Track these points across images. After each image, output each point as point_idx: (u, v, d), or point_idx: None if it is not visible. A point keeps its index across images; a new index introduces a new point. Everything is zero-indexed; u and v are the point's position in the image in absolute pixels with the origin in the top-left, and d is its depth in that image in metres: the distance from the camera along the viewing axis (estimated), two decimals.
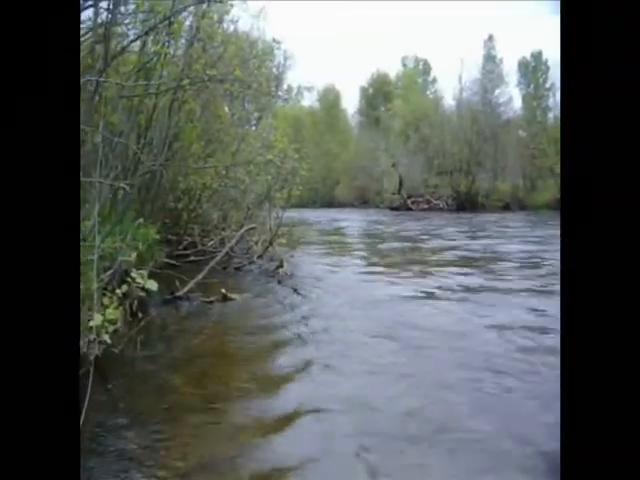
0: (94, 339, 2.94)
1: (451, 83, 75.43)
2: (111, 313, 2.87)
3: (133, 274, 3.33)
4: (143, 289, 6.48)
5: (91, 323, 2.84)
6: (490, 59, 41.57)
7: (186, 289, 7.25)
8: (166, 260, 8.84)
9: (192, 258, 10.48)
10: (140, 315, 5.44)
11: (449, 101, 46.25)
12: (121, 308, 2.96)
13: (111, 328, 2.82)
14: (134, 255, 4.47)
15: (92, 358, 2.75)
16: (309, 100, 56.89)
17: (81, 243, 5.44)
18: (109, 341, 2.84)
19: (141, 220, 7.33)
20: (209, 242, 11.42)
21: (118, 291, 3.39)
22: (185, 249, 10.90)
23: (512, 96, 41.04)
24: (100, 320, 2.81)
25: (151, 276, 7.00)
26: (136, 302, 6.12)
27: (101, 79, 4.71)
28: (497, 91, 39.83)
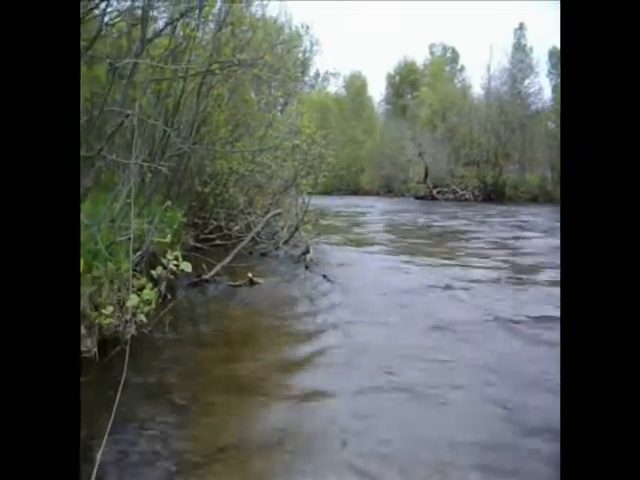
0: (130, 319, 2.95)
1: (479, 72, 74.66)
2: (147, 294, 2.88)
3: (169, 255, 3.34)
4: (173, 272, 6.56)
5: (128, 303, 2.85)
6: (520, 48, 40.86)
7: (213, 272, 7.28)
8: (192, 244, 8.90)
9: (217, 242, 10.52)
10: (168, 297, 5.48)
11: (477, 90, 45.71)
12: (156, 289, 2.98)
13: (146, 309, 2.84)
14: (169, 237, 4.49)
15: (128, 337, 2.76)
16: (335, 86, 56.70)
17: (111, 225, 5.51)
18: (145, 321, 2.86)
19: (169, 203, 7.36)
20: (235, 227, 11.46)
21: (154, 272, 3.40)
22: (211, 233, 10.95)
23: (542, 86, 40.27)
24: (136, 301, 2.82)
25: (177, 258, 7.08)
26: (164, 284, 6.18)
27: (139, 60, 4.71)
28: (527, 81, 39.21)
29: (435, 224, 18.09)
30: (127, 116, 4.12)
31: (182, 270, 3.24)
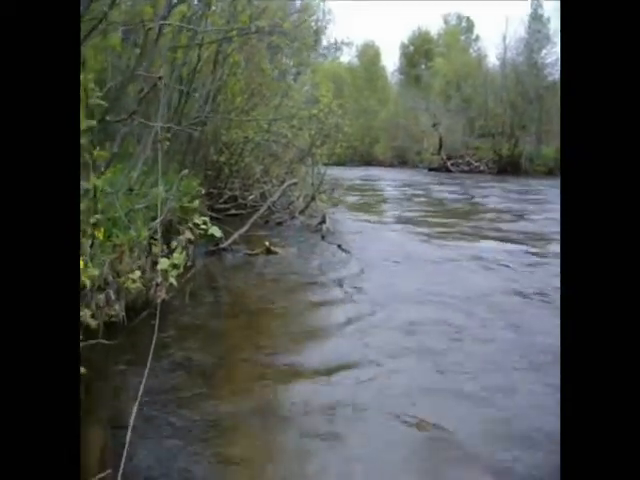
0: (161, 282, 3.00)
1: (495, 42, 73.42)
2: (177, 258, 2.92)
3: (196, 220, 3.36)
4: (191, 240, 6.60)
5: (158, 266, 2.89)
6: (537, 18, 39.99)
7: (230, 241, 7.32)
8: (208, 213, 8.93)
9: (233, 212, 10.56)
10: (188, 264, 5.53)
11: (492, 60, 44.97)
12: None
13: (175, 272, 2.88)
14: (197, 202, 4.51)
15: (159, 301, 2.81)
16: (348, 56, 55.99)
17: (129, 193, 5.54)
18: (175, 284, 2.90)
19: (185, 171, 7.38)
20: (250, 196, 11.47)
21: (181, 237, 3.43)
22: (226, 202, 10.97)
23: (559, 57, 39.58)
24: (167, 264, 2.85)
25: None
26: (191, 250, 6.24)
27: (166, 22, 4.70)
28: (543, 51, 38.44)
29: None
30: (160, 78, 4.11)
31: (211, 235, 3.26)
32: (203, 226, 3.32)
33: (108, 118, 3.87)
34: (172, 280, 2.85)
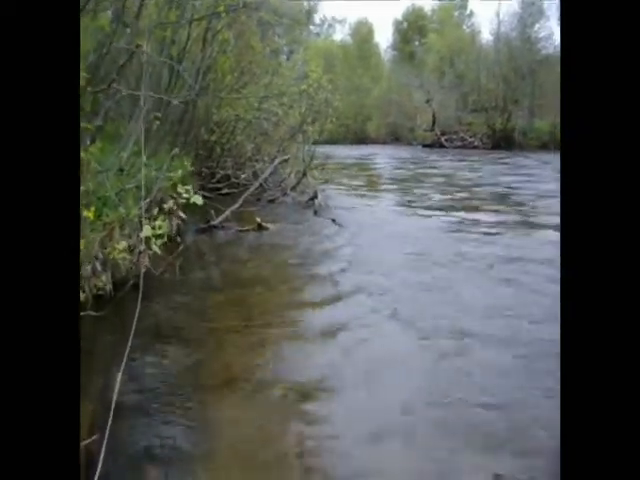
0: (144, 249, 3.03)
1: (489, 17, 72.78)
2: (160, 225, 2.94)
3: (179, 189, 3.37)
4: (182, 219, 6.63)
5: (141, 234, 2.92)
6: None
7: (221, 218, 7.35)
8: (200, 192, 8.93)
9: (225, 191, 10.55)
10: (178, 240, 5.58)
11: (486, 36, 44.68)
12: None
13: (159, 242, 2.91)
14: (180, 172, 4.52)
15: (142, 269, 2.84)
16: (341, 34, 55.58)
17: (119, 173, 5.56)
18: (159, 252, 2.93)
19: (176, 150, 7.38)
20: (242, 175, 11.46)
21: (165, 206, 3.47)
22: (218, 182, 10.96)
23: (553, 31, 39.15)
24: (149, 232, 2.88)
25: (185, 207, 7.16)
26: (175, 229, 6.26)
27: None
28: (537, 25, 38.08)
29: None
30: (138, 46, 4.10)
31: (194, 203, 3.28)
32: (185, 195, 3.33)
33: (89, 89, 3.86)
34: (155, 248, 2.88)
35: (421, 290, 4.64)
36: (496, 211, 8.95)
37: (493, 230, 7.21)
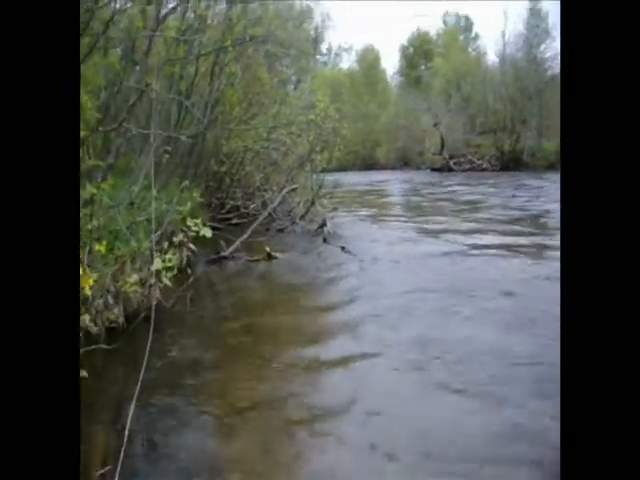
0: (155, 282, 3.11)
1: (494, 39, 73.27)
2: (170, 259, 3.03)
3: (188, 222, 3.46)
4: (192, 250, 6.71)
5: (152, 267, 3.01)
6: (535, 13, 39.89)
7: (231, 249, 7.44)
8: (210, 224, 9.04)
9: (235, 221, 10.67)
10: (189, 272, 5.65)
11: (492, 57, 44.96)
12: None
13: (170, 274, 2.99)
14: (189, 204, 4.59)
15: (153, 301, 2.91)
16: (348, 62, 56.17)
17: (130, 207, 5.67)
18: (169, 284, 3.01)
19: (186, 183, 7.50)
20: (251, 205, 11.59)
21: (175, 239, 3.57)
22: (228, 212, 11.09)
23: (558, 51, 39.32)
24: (160, 265, 2.97)
25: (195, 238, 7.28)
26: (185, 260, 6.35)
27: (156, 33, 4.85)
28: (542, 46, 38.33)
29: None
30: (147, 85, 4.24)
31: (203, 236, 3.36)
32: (195, 228, 3.42)
33: (100, 129, 4.00)
34: (166, 281, 2.96)
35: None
36: None
37: None
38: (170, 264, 3.04)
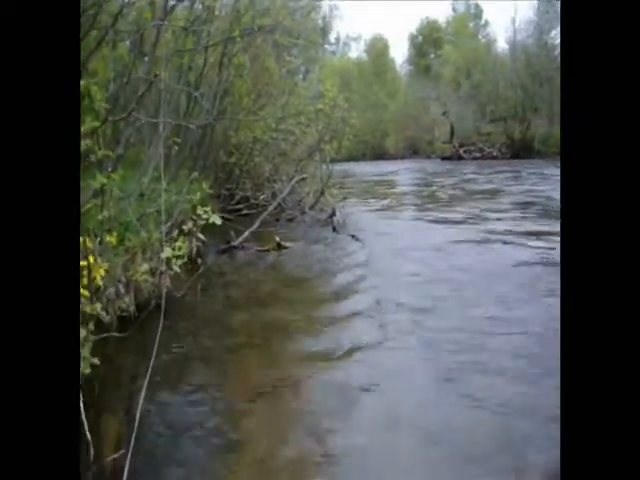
0: (165, 270, 3.15)
1: (504, 26, 72.68)
2: (180, 247, 3.06)
3: (198, 210, 3.49)
4: (202, 241, 6.75)
5: (162, 255, 3.04)
6: None
7: (241, 239, 7.48)
8: (219, 214, 9.07)
9: (245, 212, 10.71)
10: (199, 262, 5.70)
11: (502, 45, 44.59)
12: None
13: (179, 262, 3.02)
14: (199, 194, 4.64)
15: (164, 289, 2.95)
16: (356, 51, 55.96)
17: (140, 198, 5.71)
18: (179, 271, 3.05)
19: (195, 174, 7.53)
20: (261, 196, 11.62)
21: (185, 227, 3.60)
22: (238, 203, 11.12)
23: None
24: (170, 253, 3.00)
25: (205, 229, 7.31)
26: (195, 251, 6.40)
27: (164, 23, 4.87)
28: (553, 32, 37.98)
29: None
30: (156, 76, 4.26)
31: (213, 224, 3.39)
32: (204, 216, 3.44)
33: (110, 119, 4.02)
34: (176, 268, 2.99)
35: None
36: None
37: None
38: (180, 252, 3.07)
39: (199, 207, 3.57)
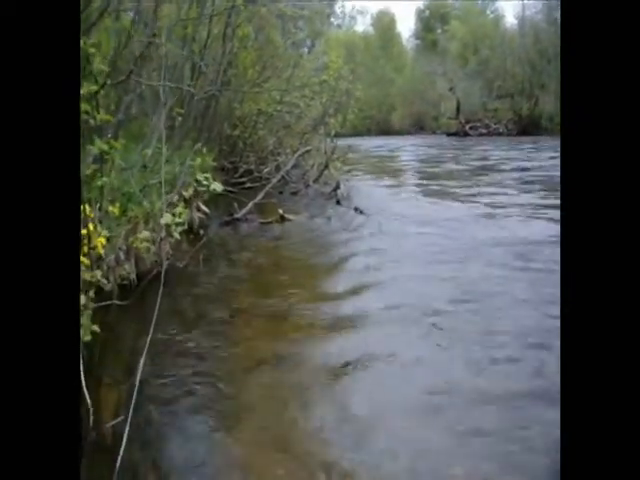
0: (165, 236, 3.11)
1: (512, 2, 71.63)
2: (181, 213, 3.01)
3: (198, 176, 3.42)
4: (205, 213, 6.73)
5: (161, 221, 2.99)
6: None
7: (244, 211, 7.44)
8: (223, 187, 9.03)
9: (248, 185, 10.62)
10: (201, 233, 5.69)
11: (510, 20, 44.05)
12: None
13: (180, 229, 2.98)
14: (199, 160, 4.59)
15: (163, 255, 2.92)
16: (362, 25, 55.28)
17: (143, 170, 5.67)
18: (179, 238, 3.00)
19: (198, 146, 7.46)
20: (265, 169, 11.54)
21: (185, 193, 3.55)
22: (241, 176, 11.04)
23: None
24: (169, 219, 2.95)
25: (209, 201, 7.28)
26: (197, 222, 6.38)
27: None
28: None
29: None
30: (154, 35, 4.18)
31: (216, 195, 3.35)
32: (205, 182, 3.38)
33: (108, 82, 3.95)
34: (176, 235, 2.95)
35: None
36: None
37: None
38: (180, 220, 3.02)
39: (199, 173, 3.49)
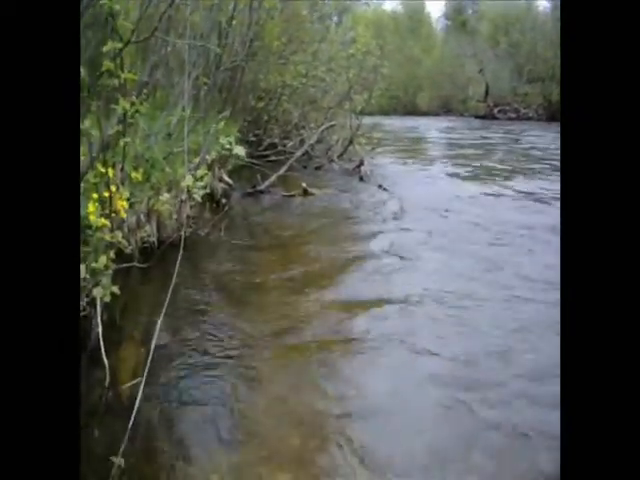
0: (186, 199, 3.06)
1: None
2: (202, 175, 2.95)
3: (221, 140, 3.35)
4: (229, 184, 6.69)
5: (182, 183, 2.94)
6: None
7: (267, 183, 7.40)
8: (247, 159, 8.98)
9: (272, 158, 10.54)
10: (224, 202, 5.66)
11: (543, 2, 43.08)
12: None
13: (201, 192, 2.93)
14: (222, 123, 4.53)
15: (184, 217, 2.87)
16: (391, 4, 54.41)
17: (168, 138, 5.63)
18: (200, 200, 2.96)
19: (226, 113, 7.39)
20: (289, 143, 11.46)
21: (208, 157, 3.48)
22: (265, 149, 10.98)
23: None
24: (190, 181, 2.89)
25: (233, 172, 7.24)
26: (220, 192, 6.34)
27: None
28: None
29: None
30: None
31: (240, 167, 3.30)
32: (228, 146, 3.32)
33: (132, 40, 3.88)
34: (197, 197, 2.90)
35: None
36: None
37: None
38: (202, 183, 2.97)
39: (222, 137, 3.43)
